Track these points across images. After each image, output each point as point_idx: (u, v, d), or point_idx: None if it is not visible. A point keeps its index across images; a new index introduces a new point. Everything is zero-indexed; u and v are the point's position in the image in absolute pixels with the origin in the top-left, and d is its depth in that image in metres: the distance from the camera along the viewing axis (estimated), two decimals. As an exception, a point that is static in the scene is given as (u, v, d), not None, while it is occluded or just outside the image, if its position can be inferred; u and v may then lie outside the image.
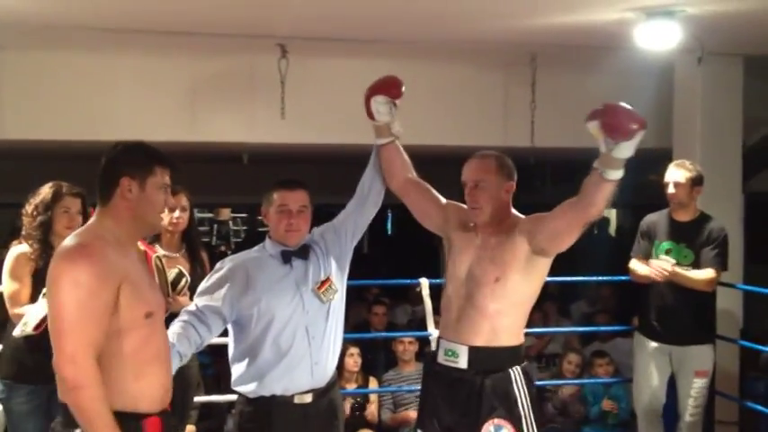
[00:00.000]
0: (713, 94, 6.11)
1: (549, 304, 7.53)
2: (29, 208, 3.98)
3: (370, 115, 3.34)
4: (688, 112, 6.21)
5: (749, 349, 5.71)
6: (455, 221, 3.32)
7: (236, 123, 6.32)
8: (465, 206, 3.28)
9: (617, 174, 2.88)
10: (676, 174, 4.59)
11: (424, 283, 5.00)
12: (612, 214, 11.77)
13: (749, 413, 5.56)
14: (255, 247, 3.31)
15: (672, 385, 4.74)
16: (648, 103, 6.66)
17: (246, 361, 3.18)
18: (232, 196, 10.80)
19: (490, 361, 3.16)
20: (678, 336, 4.62)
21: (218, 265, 3.26)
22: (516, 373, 3.17)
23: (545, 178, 9.92)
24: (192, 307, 3.17)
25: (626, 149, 2.83)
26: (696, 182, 4.57)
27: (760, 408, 5.20)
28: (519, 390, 3.15)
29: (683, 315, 4.60)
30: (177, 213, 4.16)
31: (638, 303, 4.87)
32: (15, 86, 5.90)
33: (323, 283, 3.21)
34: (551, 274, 3.28)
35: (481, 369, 3.15)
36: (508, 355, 3.19)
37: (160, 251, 4.03)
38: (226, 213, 14.62)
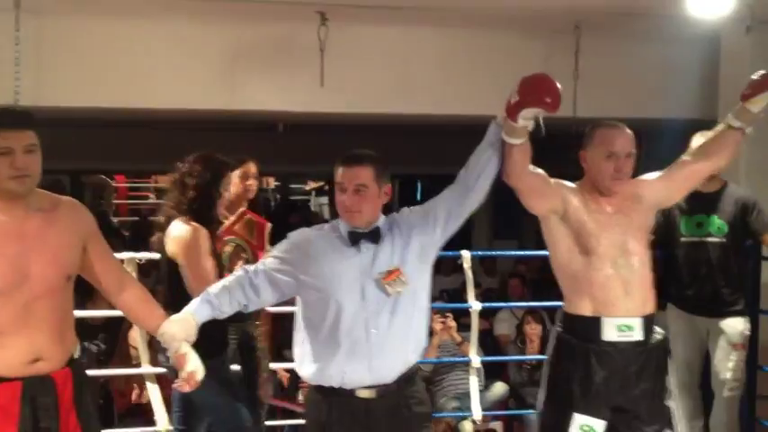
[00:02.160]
0: (761, 65, 5.92)
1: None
2: None
3: (513, 119, 2.96)
4: (734, 83, 6.00)
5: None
6: (576, 200, 3.23)
7: (275, 92, 6.29)
8: (568, 182, 3.26)
9: None
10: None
11: (466, 256, 4.97)
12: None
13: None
14: (329, 223, 3.09)
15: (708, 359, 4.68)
16: (694, 72, 6.57)
17: (305, 345, 3.02)
18: (265, 165, 10.82)
19: (653, 325, 3.28)
20: (712, 307, 4.56)
21: (288, 235, 3.09)
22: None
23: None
24: (251, 267, 3.03)
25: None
26: None
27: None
28: None
29: (716, 285, 4.54)
30: (250, 181, 4.30)
31: (669, 274, 4.81)
32: (54, 52, 5.91)
33: (390, 273, 2.93)
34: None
35: (650, 335, 3.25)
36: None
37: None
38: (271, 182, 14.62)
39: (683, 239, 4.63)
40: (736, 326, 4.57)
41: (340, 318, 2.93)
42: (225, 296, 2.95)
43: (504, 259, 8.77)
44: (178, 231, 3.66)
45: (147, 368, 4.56)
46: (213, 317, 2.96)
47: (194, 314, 2.91)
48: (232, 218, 4.26)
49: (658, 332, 3.31)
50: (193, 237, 3.63)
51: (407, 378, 3.03)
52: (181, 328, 2.88)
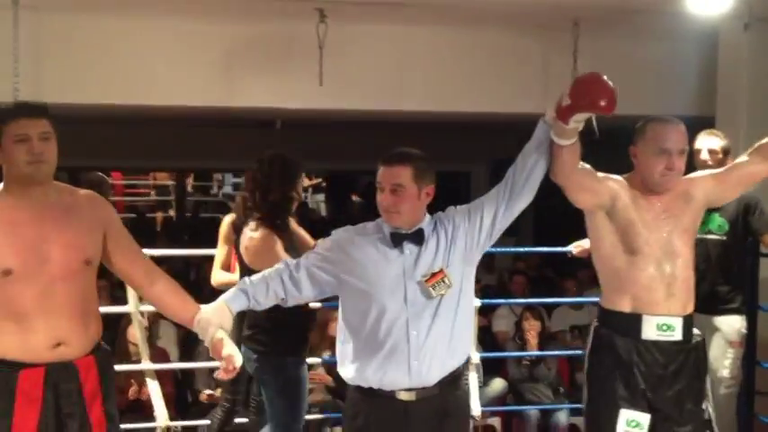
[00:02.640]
0: (759, 62, 5.97)
1: (585, 271, 7.44)
2: None
3: (564, 122, 2.90)
4: (733, 80, 6.08)
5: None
6: (626, 196, 3.18)
7: (274, 89, 6.28)
8: (616, 176, 3.21)
9: None
10: (711, 141, 4.51)
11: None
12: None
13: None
14: (373, 222, 3.03)
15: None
16: (692, 69, 6.59)
17: (345, 344, 3.01)
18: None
19: (692, 326, 3.26)
20: (709, 305, 4.56)
21: (332, 233, 3.05)
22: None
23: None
24: (292, 261, 3.01)
25: None
26: (727, 151, 4.50)
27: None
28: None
29: (714, 283, 4.55)
30: None
31: None
32: (51, 49, 5.91)
33: (434, 275, 2.89)
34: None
35: (690, 335, 3.23)
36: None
37: None
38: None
39: (682, 236, 4.65)
40: (732, 324, 4.58)
41: (381, 319, 2.91)
42: (262, 286, 2.94)
43: (501, 256, 8.78)
44: (249, 240, 3.70)
45: (146, 364, 4.57)
46: (249, 307, 2.96)
47: (228, 302, 2.91)
48: None
49: (697, 333, 3.29)
50: (265, 246, 3.66)
51: (450, 382, 2.99)
52: (215, 315, 2.87)
